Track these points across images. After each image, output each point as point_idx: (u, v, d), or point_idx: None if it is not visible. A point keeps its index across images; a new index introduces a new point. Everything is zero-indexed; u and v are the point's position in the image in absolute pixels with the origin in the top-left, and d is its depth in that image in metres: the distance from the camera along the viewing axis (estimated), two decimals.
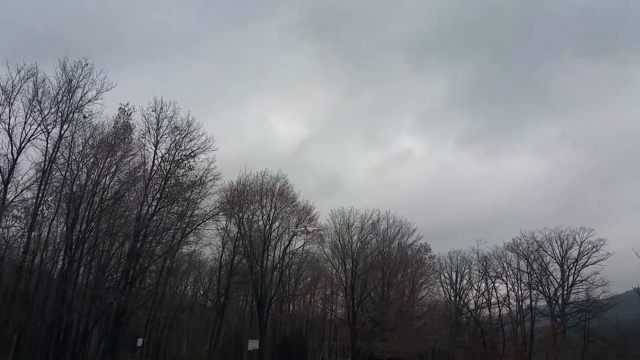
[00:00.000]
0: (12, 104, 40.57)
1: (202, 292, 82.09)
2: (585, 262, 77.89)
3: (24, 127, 41.38)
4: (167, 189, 51.66)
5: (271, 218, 65.46)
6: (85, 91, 44.09)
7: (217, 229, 63.09)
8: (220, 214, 59.44)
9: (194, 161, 51.91)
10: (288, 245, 68.93)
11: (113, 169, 48.11)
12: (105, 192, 48.18)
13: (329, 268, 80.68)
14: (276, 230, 67.02)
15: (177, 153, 51.26)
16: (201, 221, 56.17)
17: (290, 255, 70.83)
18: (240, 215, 64.06)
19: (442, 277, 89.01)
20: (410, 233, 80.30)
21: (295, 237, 64.19)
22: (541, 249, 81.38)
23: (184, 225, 54.80)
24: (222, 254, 68.71)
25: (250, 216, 65.24)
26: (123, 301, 45.70)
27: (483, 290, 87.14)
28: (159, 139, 50.42)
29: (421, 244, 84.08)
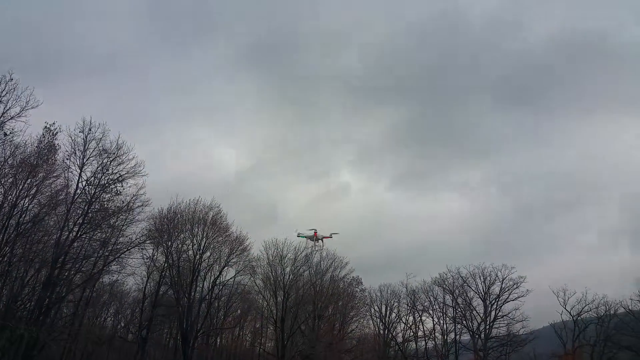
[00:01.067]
0: None
1: (123, 324, 77.73)
2: (507, 298, 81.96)
3: None
4: (90, 214, 49.16)
5: (202, 248, 63.72)
6: (7, 107, 41.70)
7: (143, 258, 60.18)
8: (147, 242, 57.08)
9: (122, 186, 50.01)
10: (218, 276, 67.17)
11: (33, 191, 45.37)
12: (23, 215, 45.24)
13: (260, 300, 79.28)
14: (207, 261, 65.22)
15: (103, 177, 49.20)
16: (126, 249, 53.54)
17: (220, 287, 69.08)
18: (169, 244, 61.91)
19: (372, 310, 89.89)
20: (343, 266, 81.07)
21: (304, 239, 56.42)
22: (465, 284, 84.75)
23: (107, 253, 52.10)
24: (146, 284, 65.68)
25: (180, 245, 63.24)
26: (35, 332, 42.47)
27: (411, 323, 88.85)
28: (85, 161, 48.28)
29: (353, 277, 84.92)
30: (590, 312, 79.40)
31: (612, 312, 78.40)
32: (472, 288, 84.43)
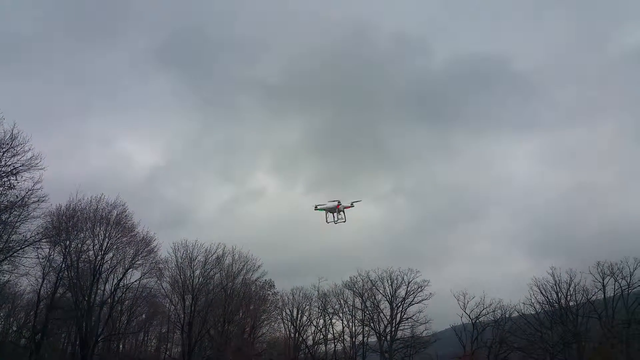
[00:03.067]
0: None
1: (15, 328, 72.19)
2: (412, 301, 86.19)
3: None
4: None
5: (104, 248, 60.86)
6: None
7: (38, 258, 56.49)
8: (43, 240, 53.63)
9: (16, 179, 46.56)
10: (122, 278, 64.44)
11: None
12: None
13: (167, 304, 77.08)
14: (109, 262, 62.34)
15: None
16: (19, 247, 50.25)
17: (124, 290, 66.17)
18: (67, 243, 58.58)
19: (284, 314, 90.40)
20: (256, 269, 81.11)
21: (324, 213, 45.76)
22: (374, 287, 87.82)
23: None
24: (42, 285, 61.34)
25: (80, 245, 60.01)
26: None
27: (321, 326, 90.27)
28: None
29: (266, 280, 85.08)
30: (487, 316, 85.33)
31: (507, 315, 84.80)
32: (380, 291, 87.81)
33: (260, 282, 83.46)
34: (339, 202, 44.76)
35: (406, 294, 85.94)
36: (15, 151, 46.32)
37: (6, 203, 47.68)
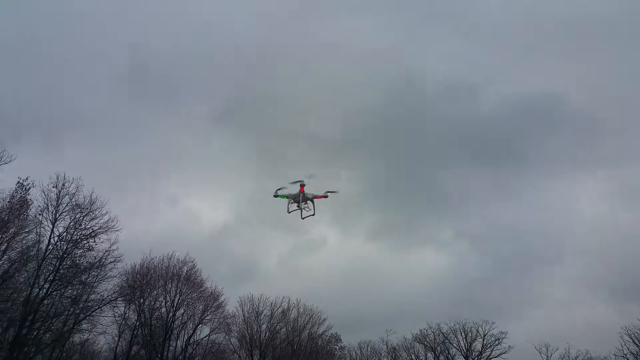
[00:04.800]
0: None
1: None
2: (489, 355, 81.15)
3: None
4: (62, 271, 49.08)
5: (175, 304, 62.97)
6: None
7: (115, 316, 59.29)
8: (119, 299, 56.45)
9: (94, 241, 50.25)
10: (192, 334, 65.96)
11: (4, 247, 45.53)
12: None
13: None
14: (180, 318, 64.24)
15: (76, 232, 49.53)
16: (97, 307, 53.02)
17: (194, 346, 67.55)
18: (141, 301, 61.19)
19: None
20: (321, 322, 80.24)
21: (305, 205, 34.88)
22: (447, 340, 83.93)
23: (78, 311, 51.52)
24: (118, 343, 63.93)
25: (152, 302, 62.48)
26: None
27: None
28: (57, 216, 48.83)
29: (332, 333, 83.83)
30: None
31: None
32: (454, 345, 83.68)
33: (326, 336, 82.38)
34: (302, 184, 33.79)
35: (483, 347, 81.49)
36: (93, 215, 50.34)
37: (86, 264, 51.14)
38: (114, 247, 51.26)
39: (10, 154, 43.71)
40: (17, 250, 46.83)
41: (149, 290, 61.93)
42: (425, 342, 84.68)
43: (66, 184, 49.33)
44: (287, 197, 34.54)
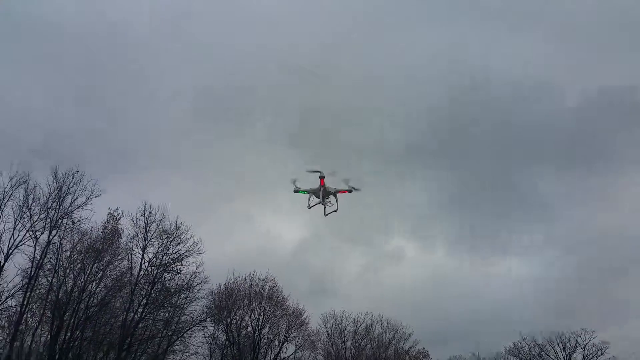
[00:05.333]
0: (2, 210, 42.28)
1: None
2: None
3: (12, 233, 42.64)
4: (153, 294, 51.41)
5: (260, 323, 63.86)
6: (75, 197, 46.37)
7: (205, 337, 61.12)
8: (208, 319, 58.25)
9: (182, 265, 52.36)
10: (279, 352, 66.48)
11: (100, 275, 48.43)
12: (91, 299, 48.05)
13: None
14: (266, 336, 65.03)
15: (164, 257, 51.88)
16: (188, 328, 55.05)
17: None
18: (229, 320, 62.64)
19: None
20: (407, 337, 77.92)
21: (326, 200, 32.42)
22: (544, 352, 78.47)
23: (170, 333, 53.60)
24: None
25: (239, 321, 63.73)
26: None
27: None
28: (146, 242, 51.42)
29: (419, 349, 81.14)
30: None
31: None
32: (551, 357, 78.06)
33: (413, 351, 79.91)
34: (321, 175, 30.68)
35: (584, 358, 75.44)
36: (180, 239, 52.52)
37: (175, 287, 53.29)
38: (199, 269, 53.25)
39: (100, 188, 46.60)
40: (112, 277, 49.59)
41: (234, 309, 63.28)
42: (520, 355, 79.72)
43: (152, 212, 51.88)
44: (307, 192, 32.32)
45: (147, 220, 51.54)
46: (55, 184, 45.40)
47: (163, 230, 51.70)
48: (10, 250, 42.57)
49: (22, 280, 44.27)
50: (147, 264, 51.44)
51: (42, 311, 46.89)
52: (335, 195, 32.17)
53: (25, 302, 44.13)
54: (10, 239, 42.72)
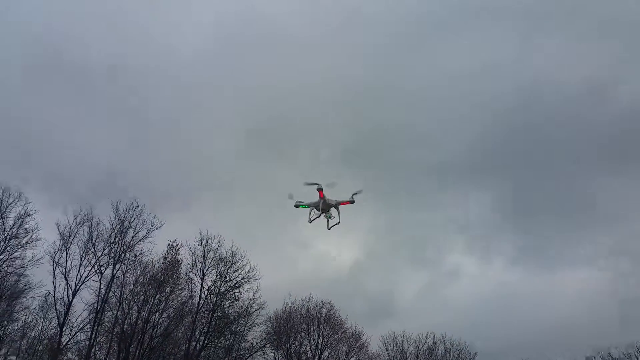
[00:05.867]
0: (68, 248, 44.36)
1: None
2: None
3: (79, 270, 44.59)
4: (214, 322, 52.07)
5: (320, 347, 63.07)
6: (136, 231, 48.12)
7: None
8: (268, 345, 58.23)
9: (239, 291, 52.94)
10: None
11: (162, 305, 49.51)
12: (155, 329, 49.09)
13: None
14: None
15: (222, 284, 52.57)
16: (249, 354, 55.31)
17: None
18: (288, 345, 62.32)
19: None
20: (472, 357, 74.87)
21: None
22: None
23: None
24: None
25: (298, 346, 63.23)
26: None
27: None
28: (205, 271, 52.45)
29: None
30: None
31: None
32: None
33: None
34: (319, 187, 29.33)
35: None
36: (236, 267, 53.22)
37: (234, 314, 53.78)
38: (257, 295, 53.67)
39: (160, 220, 48.07)
40: (174, 307, 50.54)
41: (293, 334, 62.92)
42: None
43: (209, 241, 52.94)
44: (309, 206, 30.83)
45: (204, 249, 52.74)
46: (117, 219, 47.33)
47: (220, 258, 52.60)
48: (78, 286, 44.49)
49: (89, 314, 45.95)
50: (206, 292, 52.25)
51: (109, 344, 48.23)
52: (337, 207, 30.78)
53: (93, 336, 45.55)
54: (77, 275, 44.58)
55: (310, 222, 30.88)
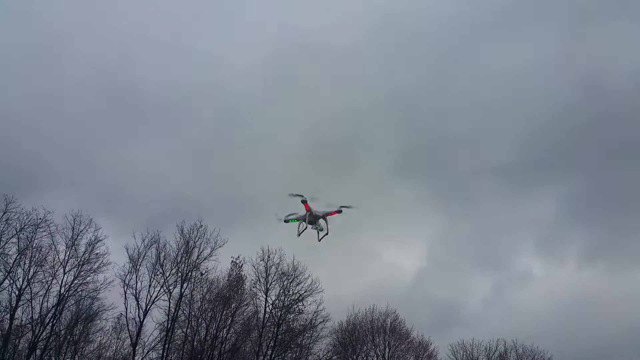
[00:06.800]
0: (138, 270, 46.01)
1: None
2: None
3: (148, 290, 46.17)
4: (280, 336, 52.40)
5: (387, 358, 61.92)
6: (201, 250, 49.45)
7: None
8: (334, 357, 57.86)
9: (303, 305, 53.07)
10: None
11: (229, 321, 50.36)
12: (223, 345, 49.94)
13: None
14: None
15: (286, 298, 52.87)
16: None
17: None
18: (354, 357, 61.59)
19: None
20: None
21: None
22: None
23: None
24: None
25: (364, 358, 62.35)
26: None
27: None
28: (268, 286, 52.89)
29: None
30: None
31: None
32: None
33: None
34: (303, 200, 28.91)
35: None
36: (298, 280, 53.45)
37: (299, 327, 53.89)
38: (320, 307, 53.65)
39: (222, 238, 49.15)
40: (240, 322, 51.27)
41: (359, 346, 62.18)
42: None
43: (271, 256, 53.45)
44: (297, 219, 30.22)
45: (266, 264, 53.20)
46: (182, 239, 48.64)
47: (282, 273, 53.00)
48: (148, 306, 46.00)
49: (160, 333, 47.27)
50: (270, 306, 52.68)
51: None
52: (325, 219, 30.15)
53: (164, 354, 46.80)
54: (147, 295, 46.12)
55: (298, 235, 30.41)
